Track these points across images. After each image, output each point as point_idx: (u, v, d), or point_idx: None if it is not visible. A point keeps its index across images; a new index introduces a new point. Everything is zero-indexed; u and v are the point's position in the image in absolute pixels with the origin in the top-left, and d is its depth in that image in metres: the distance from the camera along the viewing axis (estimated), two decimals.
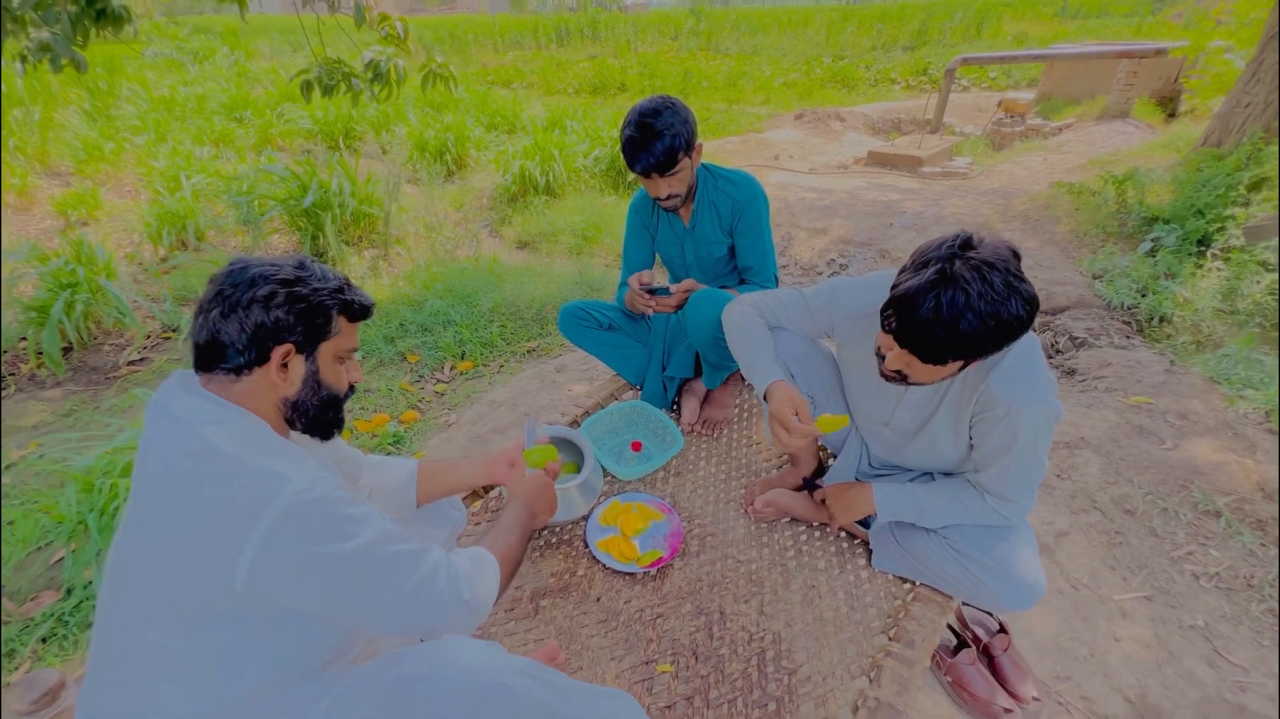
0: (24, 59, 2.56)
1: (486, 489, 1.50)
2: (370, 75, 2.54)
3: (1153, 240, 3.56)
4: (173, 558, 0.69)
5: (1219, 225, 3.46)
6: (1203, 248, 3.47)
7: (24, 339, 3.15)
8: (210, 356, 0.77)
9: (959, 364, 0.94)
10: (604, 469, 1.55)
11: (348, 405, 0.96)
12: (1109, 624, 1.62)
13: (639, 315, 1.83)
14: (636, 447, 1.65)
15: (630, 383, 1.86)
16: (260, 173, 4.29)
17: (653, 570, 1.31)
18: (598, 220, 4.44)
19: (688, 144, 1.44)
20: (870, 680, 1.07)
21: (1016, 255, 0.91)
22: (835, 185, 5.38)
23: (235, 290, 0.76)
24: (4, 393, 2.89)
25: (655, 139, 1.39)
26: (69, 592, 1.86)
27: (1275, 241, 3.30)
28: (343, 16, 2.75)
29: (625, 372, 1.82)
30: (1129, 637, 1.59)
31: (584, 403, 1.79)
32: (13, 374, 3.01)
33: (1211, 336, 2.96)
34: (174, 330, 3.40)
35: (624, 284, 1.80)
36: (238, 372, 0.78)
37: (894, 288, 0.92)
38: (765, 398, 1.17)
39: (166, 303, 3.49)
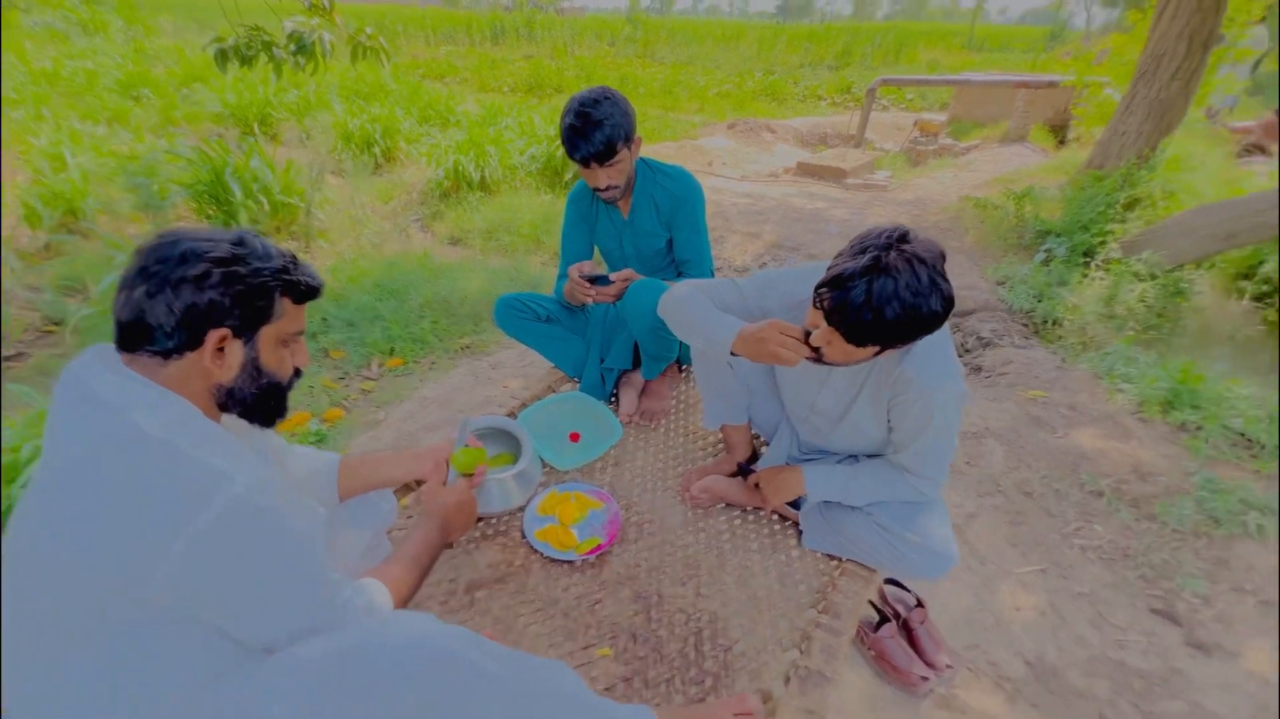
0: None
1: (419, 482, 1.45)
2: (293, 47, 2.39)
3: (1046, 251, 3.91)
4: (88, 550, 0.62)
5: (1101, 239, 3.85)
6: (1088, 259, 3.85)
7: None
8: (134, 337, 0.70)
9: (874, 349, 1.00)
10: (542, 460, 1.54)
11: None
12: (1011, 596, 1.77)
13: (577, 307, 1.82)
14: (575, 438, 1.64)
15: (568, 375, 1.86)
16: (164, 154, 3.96)
17: (591, 558, 1.31)
18: (534, 218, 4.39)
19: (627, 135, 1.46)
20: (801, 652, 1.11)
21: (943, 257, 0.99)
22: (767, 192, 5.58)
23: (163, 267, 0.69)
24: None
25: (595, 128, 1.40)
26: None
27: (1147, 254, 3.71)
28: None
29: (563, 364, 1.81)
30: (1028, 606, 1.74)
31: (521, 394, 1.76)
32: None
33: (1095, 338, 3.29)
34: (57, 324, 3.07)
35: (563, 276, 1.79)
36: (165, 355, 0.71)
37: (830, 269, 0.97)
38: (736, 347, 1.11)
39: (48, 293, 3.15)
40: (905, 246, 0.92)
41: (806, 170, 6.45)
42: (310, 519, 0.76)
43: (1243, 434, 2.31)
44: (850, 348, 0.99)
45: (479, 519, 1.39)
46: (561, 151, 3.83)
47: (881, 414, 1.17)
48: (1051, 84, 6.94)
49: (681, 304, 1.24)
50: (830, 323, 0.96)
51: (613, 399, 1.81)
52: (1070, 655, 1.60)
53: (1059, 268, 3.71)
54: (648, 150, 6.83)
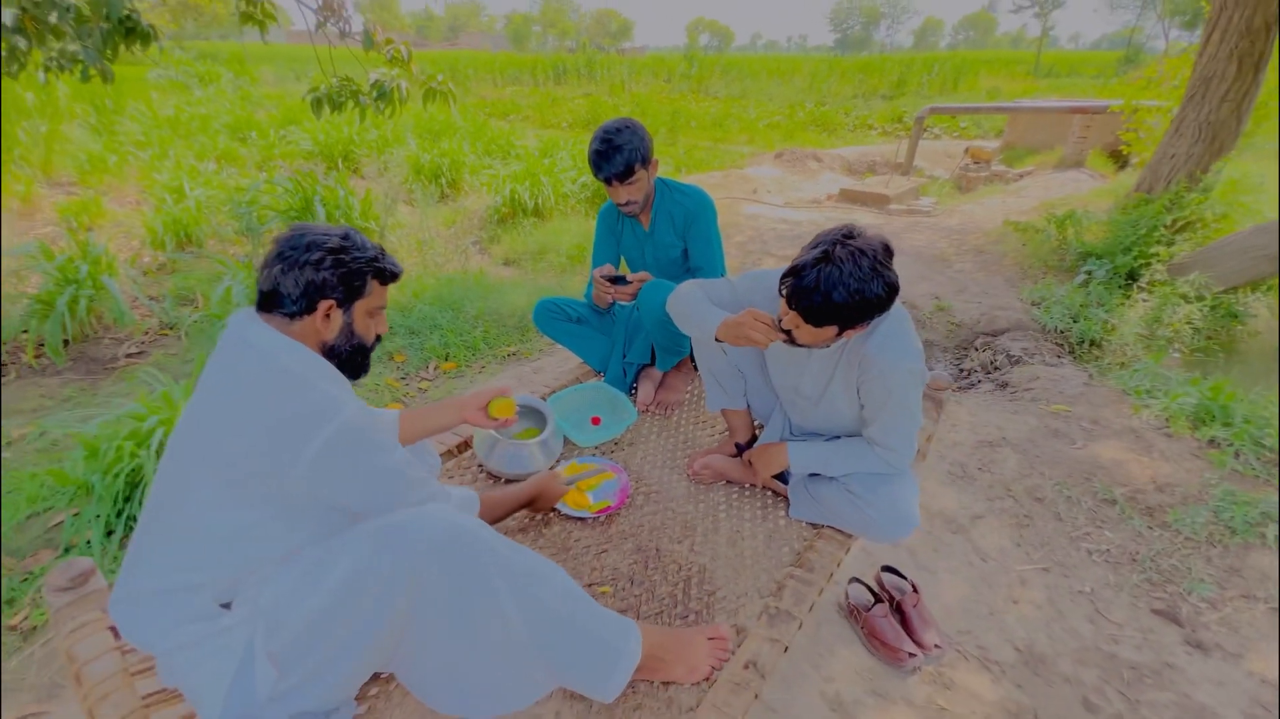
0: (46, 69, 2.80)
1: (460, 449, 1.70)
2: (375, 94, 2.82)
3: (1086, 273, 3.89)
4: (245, 449, 0.87)
5: (1144, 261, 3.80)
6: (1130, 281, 3.80)
7: (25, 331, 3.31)
8: (271, 302, 0.97)
9: (835, 330, 1.17)
10: (565, 437, 1.76)
11: None
12: (1009, 590, 1.83)
13: (604, 310, 2.06)
14: (596, 421, 1.86)
15: (595, 370, 2.09)
16: (265, 184, 4.53)
17: (601, 517, 1.51)
18: (582, 241, 4.72)
19: (644, 158, 1.70)
20: (775, 597, 1.27)
21: (889, 251, 1.16)
22: (805, 218, 5.73)
23: (294, 252, 0.96)
24: (2, 379, 3.04)
25: (616, 152, 1.65)
26: (67, 550, 2.00)
27: (1194, 276, 3.65)
28: (351, 48, 3.04)
29: (590, 359, 2.04)
30: (1025, 599, 1.80)
31: (552, 384, 2.00)
32: (13, 363, 3.16)
33: (1133, 359, 3.25)
34: (171, 328, 3.57)
35: (593, 280, 2.04)
36: (291, 316, 0.97)
37: (791, 261, 1.17)
38: (720, 334, 1.32)
39: (166, 302, 3.67)
40: (850, 241, 1.10)
41: (849, 196, 6.57)
42: (391, 436, 1.00)
43: (1276, 450, 2.27)
44: (813, 329, 1.17)
45: (508, 481, 1.62)
46: None
47: (853, 393, 1.33)
48: (1105, 109, 6.81)
49: (681, 300, 1.46)
50: (791, 307, 1.15)
51: (633, 390, 2.03)
52: (1062, 645, 1.66)
53: (1098, 289, 3.69)
54: (694, 179, 7.12)
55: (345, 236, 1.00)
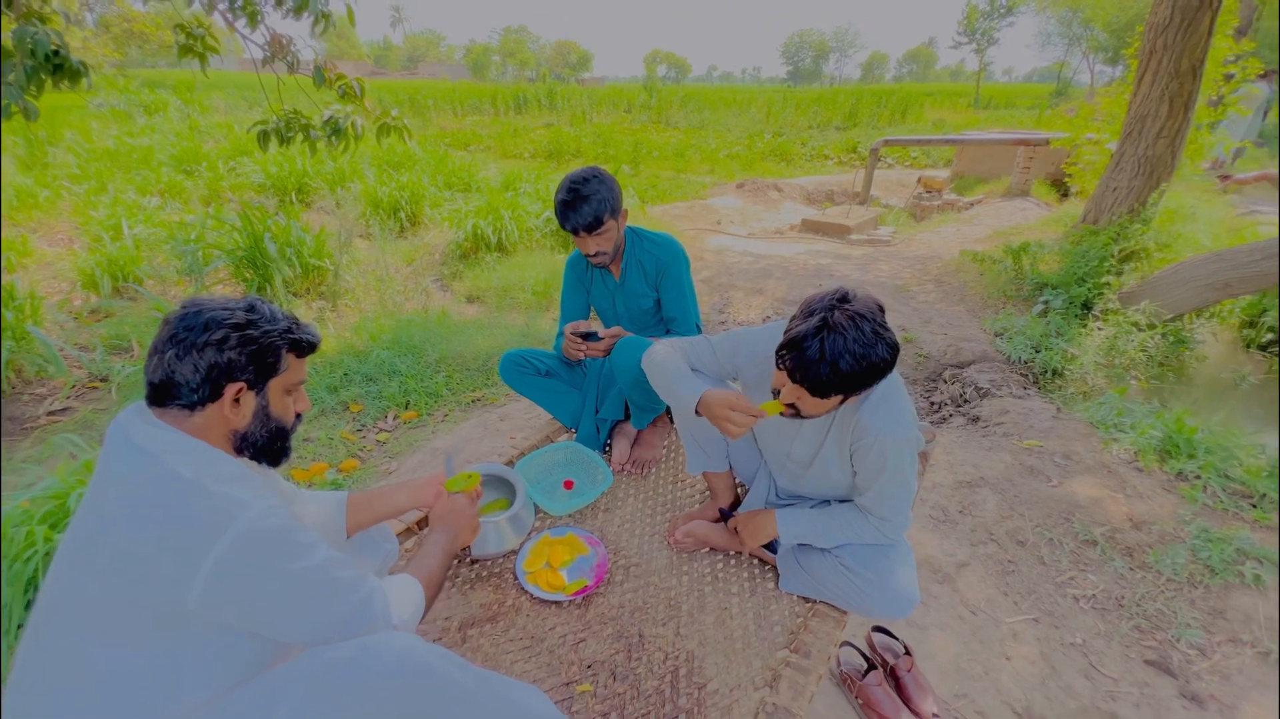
0: None
1: (420, 525, 1.56)
2: (329, 130, 2.70)
3: (1043, 303, 3.99)
4: (129, 573, 0.74)
5: (1098, 291, 3.93)
6: (1086, 310, 3.91)
7: None
8: (165, 394, 0.84)
9: (839, 398, 1.10)
10: (536, 505, 1.64)
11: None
12: (1001, 645, 1.77)
13: (575, 363, 1.96)
14: (569, 485, 1.74)
15: (566, 426, 1.97)
16: (213, 220, 4.31)
17: (578, 599, 1.38)
18: (547, 277, 4.63)
19: (613, 209, 1.63)
20: (771, 688, 1.17)
21: (881, 309, 1.11)
22: (771, 250, 5.78)
23: (189, 333, 0.83)
24: None
25: (583, 203, 1.57)
26: None
27: (1145, 305, 3.77)
28: (301, 76, 2.91)
29: (561, 415, 1.93)
30: (1018, 655, 1.74)
31: (521, 444, 1.88)
32: None
33: (1096, 388, 3.32)
34: (102, 380, 3.30)
35: (561, 334, 1.94)
36: (191, 407, 0.84)
37: (786, 333, 1.10)
38: (699, 409, 1.25)
39: (97, 352, 3.40)
40: (847, 306, 1.04)
41: (811, 227, 6.68)
42: (316, 537, 0.88)
43: (1242, 483, 2.31)
44: (817, 400, 1.10)
45: (474, 561, 1.48)
46: None
47: (845, 459, 1.26)
48: (1046, 141, 7.16)
49: (657, 366, 1.37)
50: (794, 380, 1.08)
51: (606, 448, 1.92)
52: (1060, 706, 1.60)
53: (1056, 319, 3.78)
54: (659, 210, 7.15)
55: (251, 308, 0.88)
